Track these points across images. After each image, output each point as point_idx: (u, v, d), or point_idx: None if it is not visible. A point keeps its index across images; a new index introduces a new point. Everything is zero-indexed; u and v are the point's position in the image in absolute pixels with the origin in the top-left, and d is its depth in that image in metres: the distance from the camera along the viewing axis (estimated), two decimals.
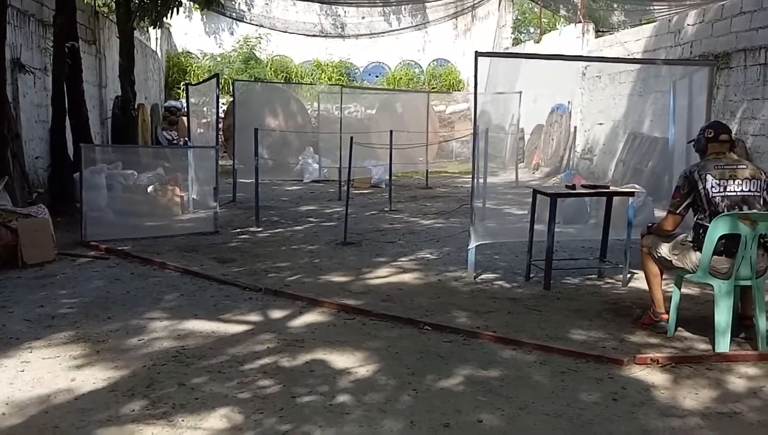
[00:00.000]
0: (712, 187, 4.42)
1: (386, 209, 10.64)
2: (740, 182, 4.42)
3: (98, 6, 14.21)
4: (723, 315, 4.30)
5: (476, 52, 6.18)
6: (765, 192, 4.46)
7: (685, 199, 4.55)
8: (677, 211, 4.58)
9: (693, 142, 4.86)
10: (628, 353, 4.28)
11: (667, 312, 4.71)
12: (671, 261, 4.66)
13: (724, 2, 10.68)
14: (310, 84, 21.36)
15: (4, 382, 3.73)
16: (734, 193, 4.40)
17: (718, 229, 4.28)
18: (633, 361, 4.13)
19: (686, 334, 4.72)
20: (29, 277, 6.04)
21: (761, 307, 4.37)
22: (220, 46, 23.75)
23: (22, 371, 3.89)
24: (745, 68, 9.73)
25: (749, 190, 4.42)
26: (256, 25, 22.05)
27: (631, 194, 6.24)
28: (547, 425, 3.34)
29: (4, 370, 3.91)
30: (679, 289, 4.66)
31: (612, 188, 6.71)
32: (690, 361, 4.19)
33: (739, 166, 4.48)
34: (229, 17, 21.81)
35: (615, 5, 18.62)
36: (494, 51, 19.62)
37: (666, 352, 4.35)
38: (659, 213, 7.68)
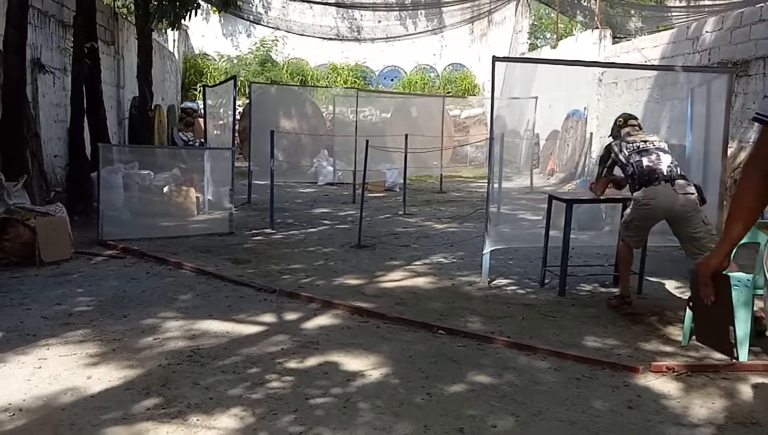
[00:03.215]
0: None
1: (400, 213, 10.65)
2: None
3: (117, 7, 14.33)
4: (741, 324, 4.27)
5: (494, 56, 6.17)
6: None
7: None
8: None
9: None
10: (643, 361, 4.26)
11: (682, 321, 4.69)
12: None
13: (744, 10, 10.60)
14: (326, 87, 21.43)
15: (21, 379, 3.76)
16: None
17: None
18: (648, 369, 4.11)
19: None
20: (46, 274, 6.10)
21: None
22: (236, 48, 23.87)
23: (39, 368, 3.93)
24: (764, 76, 9.66)
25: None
26: (273, 27, 22.16)
27: None
28: (562, 432, 3.32)
29: (21, 366, 3.95)
30: None
31: (627, 195, 6.66)
32: (706, 369, 4.16)
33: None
34: (246, 20, 21.94)
35: (632, 11, 18.56)
36: (510, 56, 19.61)
37: (681, 360, 4.32)
38: None
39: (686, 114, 7.67)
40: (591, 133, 15.21)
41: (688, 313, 4.61)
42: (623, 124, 5.74)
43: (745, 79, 10.00)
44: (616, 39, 15.95)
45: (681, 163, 9.54)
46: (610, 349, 4.55)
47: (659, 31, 15.40)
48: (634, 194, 5.38)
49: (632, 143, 5.47)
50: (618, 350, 4.52)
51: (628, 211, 5.54)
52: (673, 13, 17.58)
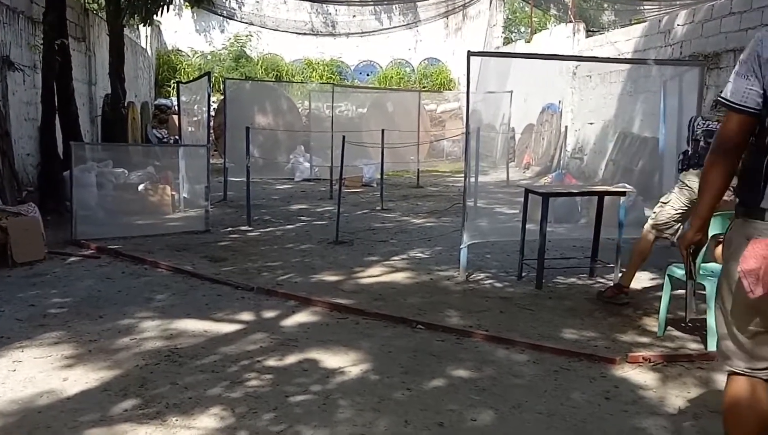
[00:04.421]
0: None
1: (378, 208, 10.65)
2: None
3: (88, 3, 14.11)
4: (711, 314, 4.33)
5: (469, 51, 6.19)
6: None
7: None
8: None
9: None
10: (619, 352, 4.30)
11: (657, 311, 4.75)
12: None
13: (714, 3, 10.74)
14: (301, 82, 21.33)
15: None
16: None
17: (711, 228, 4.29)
18: (625, 360, 4.16)
19: (677, 333, 4.76)
20: (19, 275, 6.00)
21: None
22: (210, 44, 23.65)
23: (14, 371, 3.87)
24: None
25: None
26: (247, 23, 21.99)
27: (623, 194, 6.26)
28: (541, 424, 3.35)
29: None
30: (671, 288, 4.69)
31: (603, 188, 6.73)
32: (682, 359, 4.22)
33: None
34: (220, 15, 21.72)
35: (605, 5, 18.70)
36: (485, 50, 19.66)
37: (657, 351, 4.38)
38: (649, 212, 7.73)
39: (659, 106, 7.76)
40: (566, 127, 15.33)
41: (664, 302, 4.68)
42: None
43: (716, 72, 10.14)
44: (589, 32, 16.07)
45: (654, 155, 9.68)
46: (587, 340, 4.59)
47: (632, 24, 15.56)
48: (682, 174, 5.21)
49: (708, 120, 5.19)
50: (595, 342, 4.56)
51: (668, 195, 5.32)
52: (645, 7, 17.72)
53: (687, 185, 5.12)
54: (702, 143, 5.11)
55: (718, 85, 10.08)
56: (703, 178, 2.55)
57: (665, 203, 5.26)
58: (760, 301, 2.35)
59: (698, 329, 4.73)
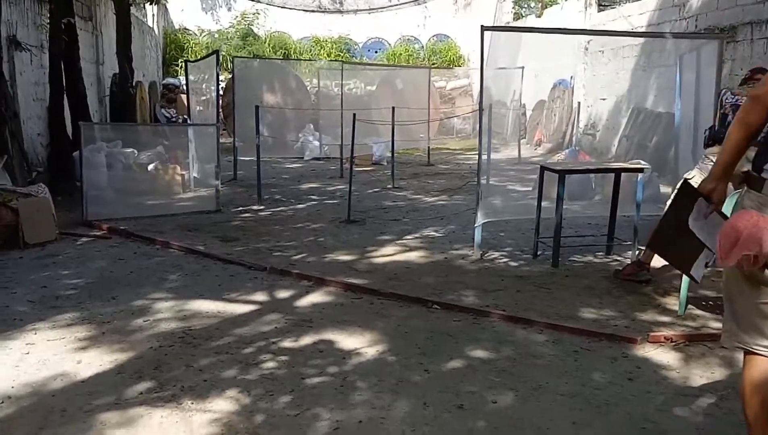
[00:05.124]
0: None
1: (389, 186, 10.56)
2: None
3: None
4: None
5: (482, 26, 6.05)
6: None
7: None
8: None
9: None
10: (640, 332, 4.23)
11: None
12: None
13: None
14: (309, 60, 21.13)
15: (9, 365, 3.67)
16: None
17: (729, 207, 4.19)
18: (646, 340, 4.08)
19: (698, 312, 4.68)
20: (31, 257, 5.97)
21: None
22: (217, 23, 23.44)
23: (27, 353, 3.83)
24: (752, 42, 9.60)
25: None
26: (254, 0, 21.75)
27: (640, 171, 6.13)
28: (563, 406, 3.28)
29: (8, 352, 3.85)
30: None
31: (621, 165, 6.61)
32: (704, 339, 4.14)
33: None
34: None
35: None
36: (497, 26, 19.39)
37: (679, 330, 4.30)
38: (664, 189, 7.63)
39: (674, 81, 7.59)
40: (578, 103, 15.13)
41: (685, 281, 4.58)
42: (748, 77, 5.18)
43: (733, 45, 9.93)
44: (601, 7, 15.80)
45: (669, 130, 9.52)
46: (607, 320, 4.52)
47: None
48: (708, 149, 5.05)
49: (737, 95, 4.99)
50: (614, 321, 4.49)
51: (692, 171, 5.08)
52: None
53: (712, 161, 4.96)
54: (730, 117, 4.95)
55: (734, 58, 9.90)
56: (734, 121, 2.48)
57: (689, 179, 5.11)
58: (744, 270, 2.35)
59: (720, 308, 4.63)
